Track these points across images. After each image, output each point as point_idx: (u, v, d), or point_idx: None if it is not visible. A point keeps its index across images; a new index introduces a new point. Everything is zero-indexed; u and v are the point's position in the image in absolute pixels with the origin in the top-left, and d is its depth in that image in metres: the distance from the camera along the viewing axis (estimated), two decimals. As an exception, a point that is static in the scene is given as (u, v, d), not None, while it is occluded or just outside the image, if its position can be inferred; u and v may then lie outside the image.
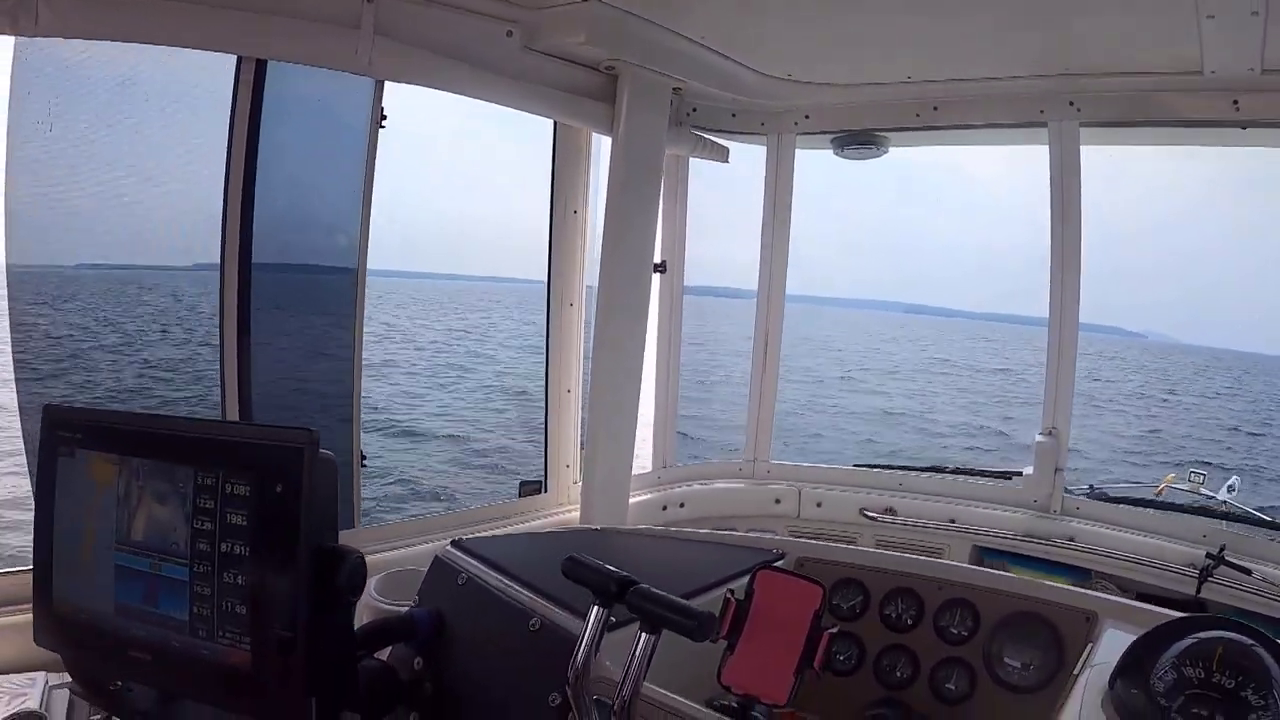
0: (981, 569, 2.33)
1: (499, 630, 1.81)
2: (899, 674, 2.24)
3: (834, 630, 1.57)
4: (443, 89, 3.20)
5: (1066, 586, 2.26)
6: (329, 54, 2.85)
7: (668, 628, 1.42)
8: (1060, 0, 2.91)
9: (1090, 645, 1.90)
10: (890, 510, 4.19)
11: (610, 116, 3.53)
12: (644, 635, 1.44)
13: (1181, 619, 1.66)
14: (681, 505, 4.23)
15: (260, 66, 2.83)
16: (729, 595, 1.66)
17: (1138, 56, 3.37)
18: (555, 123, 3.75)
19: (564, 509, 3.93)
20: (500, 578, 1.93)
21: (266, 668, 1.46)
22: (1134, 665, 1.60)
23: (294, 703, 1.46)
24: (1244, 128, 3.55)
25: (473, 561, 2.01)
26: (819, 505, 4.30)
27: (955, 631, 2.22)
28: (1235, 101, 3.43)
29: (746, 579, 1.74)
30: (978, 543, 4.06)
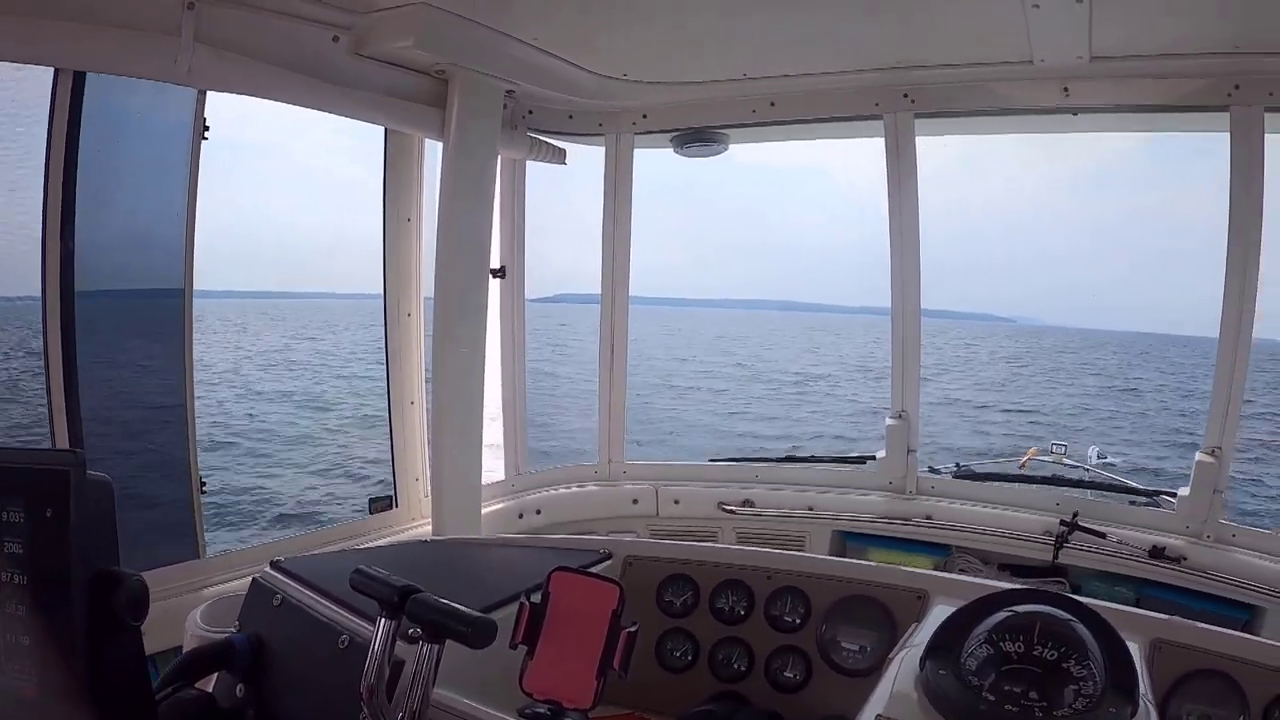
0: (809, 555, 2.34)
1: (313, 650, 1.73)
2: (735, 666, 2.23)
3: (633, 629, 1.53)
4: (267, 98, 3.09)
5: (897, 567, 2.29)
6: (147, 64, 2.70)
7: (447, 635, 1.37)
8: None
9: (915, 625, 1.89)
10: (748, 503, 4.23)
11: (442, 121, 3.45)
12: (426, 645, 1.38)
13: (990, 595, 1.63)
14: (538, 512, 4.18)
15: (78, 80, 2.67)
16: (523, 600, 1.61)
17: (969, 48, 3.47)
18: (386, 129, 3.65)
19: (416, 523, 3.83)
20: (314, 596, 1.84)
21: (53, 701, 1.38)
22: (943, 644, 1.57)
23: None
24: (1075, 114, 3.72)
25: (289, 582, 1.92)
26: (677, 503, 4.32)
27: (788, 620, 2.22)
28: (1065, 89, 3.58)
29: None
30: (837, 528, 4.14)
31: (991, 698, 1.42)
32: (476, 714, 1.53)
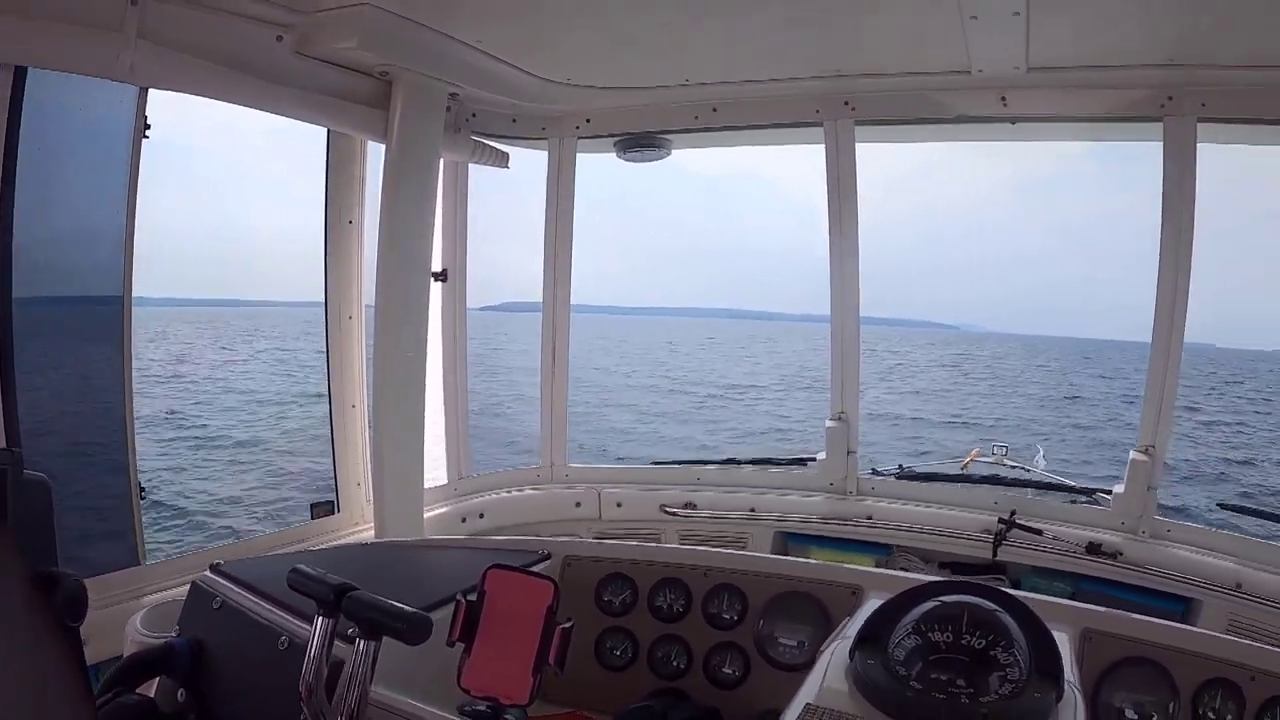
0: (746, 554, 2.38)
1: (253, 652, 1.73)
2: (674, 664, 2.26)
3: (568, 625, 1.55)
4: (210, 96, 3.01)
5: (831, 563, 2.33)
6: (89, 60, 2.62)
7: (384, 632, 1.37)
8: (831, 3, 2.98)
9: (847, 618, 1.94)
10: (690, 505, 4.26)
11: (384, 123, 3.42)
12: (362, 641, 1.39)
13: (917, 587, 1.68)
14: (481, 516, 4.17)
15: (19, 75, 2.60)
16: (459, 597, 1.62)
17: (908, 57, 3.52)
18: (329, 131, 3.62)
19: (358, 529, 3.79)
20: (253, 599, 1.84)
21: None
22: (872, 635, 1.62)
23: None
24: (1013, 123, 3.79)
25: (228, 585, 1.91)
26: (619, 505, 4.34)
27: (725, 617, 2.27)
28: (1003, 98, 3.66)
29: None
30: (779, 529, 4.19)
31: (918, 685, 1.46)
32: (416, 712, 1.54)
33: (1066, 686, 1.51)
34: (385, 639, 1.40)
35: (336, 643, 1.46)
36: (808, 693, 1.55)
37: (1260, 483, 26.03)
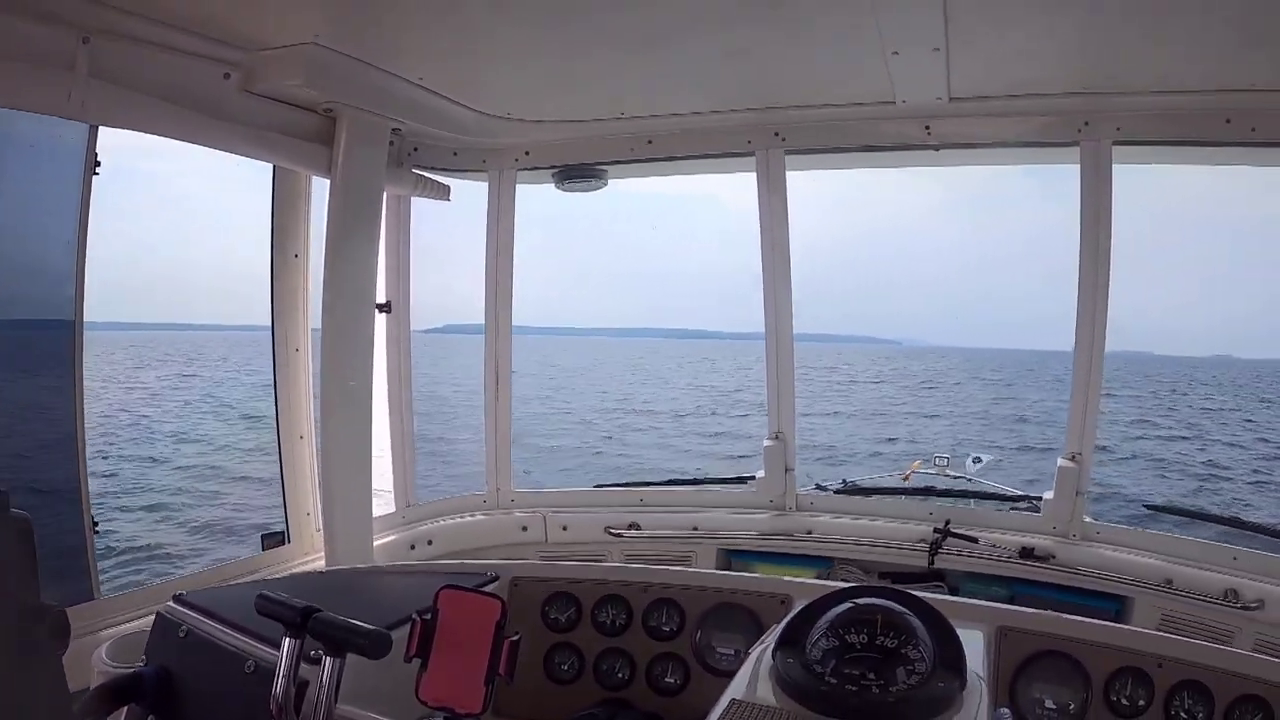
0: (682, 569, 2.50)
1: (220, 678, 1.80)
2: (618, 675, 2.38)
3: (515, 638, 1.65)
4: (159, 134, 3.06)
5: (764, 575, 2.46)
6: (39, 98, 2.64)
7: (348, 649, 1.46)
8: (757, 37, 3.07)
9: (776, 625, 2.04)
10: (634, 525, 4.35)
11: (329, 158, 3.49)
12: (328, 659, 1.48)
13: (831, 593, 1.83)
14: (430, 543, 4.21)
15: None
16: (415, 616, 1.71)
17: (835, 89, 3.65)
18: (275, 166, 3.67)
19: (309, 558, 3.82)
20: (218, 626, 1.91)
21: None
22: (791, 638, 1.76)
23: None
24: (937, 149, 3.95)
25: (192, 614, 1.97)
26: (565, 529, 4.40)
27: (665, 629, 2.38)
28: (927, 127, 3.82)
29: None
30: (723, 546, 4.28)
31: (833, 680, 1.60)
32: None
33: (971, 677, 1.65)
34: (349, 657, 1.49)
35: (302, 664, 1.54)
36: (734, 690, 1.68)
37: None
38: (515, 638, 1.66)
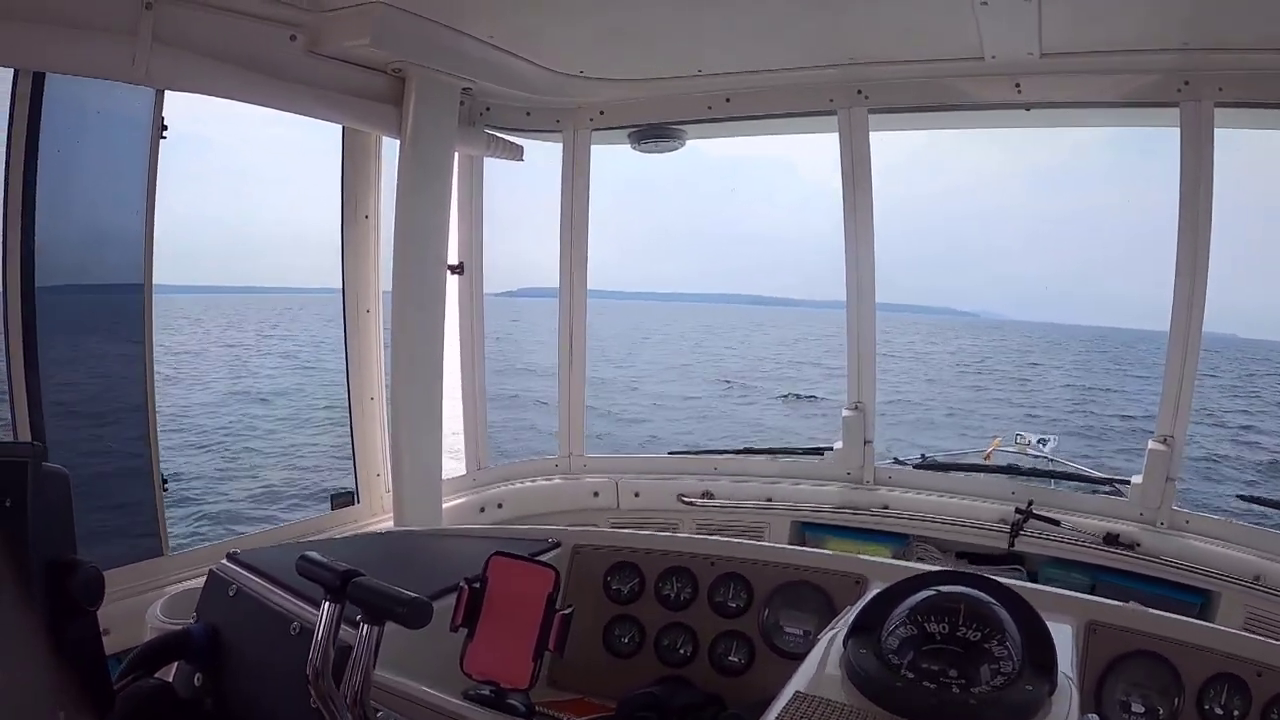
0: (752, 543, 2.39)
1: (266, 638, 1.77)
2: (680, 651, 2.30)
3: (568, 611, 1.58)
4: (225, 96, 3.05)
5: (837, 553, 2.36)
6: (105, 64, 2.68)
7: (387, 618, 1.41)
8: None
9: (849, 607, 1.93)
10: (708, 494, 4.28)
11: (398, 119, 3.46)
12: (366, 626, 1.42)
13: (914, 577, 1.68)
14: (500, 506, 4.20)
15: (39, 78, 2.67)
16: (463, 583, 1.65)
17: (921, 44, 3.50)
18: (343, 127, 3.65)
19: (377, 519, 3.85)
20: (267, 586, 1.88)
21: (12, 685, 1.38)
22: (866, 624, 1.62)
23: (41, 717, 1.41)
24: (1028, 109, 3.77)
25: (244, 573, 1.96)
26: (637, 495, 4.35)
27: (731, 605, 2.29)
28: (1017, 85, 3.63)
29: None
30: (796, 519, 4.20)
31: (910, 675, 1.45)
32: (421, 696, 1.57)
33: (1060, 678, 1.50)
34: (390, 624, 1.44)
35: (346, 628, 1.49)
36: (799, 681, 1.56)
37: None
38: (568, 611, 1.59)
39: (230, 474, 19.86)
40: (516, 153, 4.17)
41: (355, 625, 1.47)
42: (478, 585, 1.65)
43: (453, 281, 4.02)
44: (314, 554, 1.53)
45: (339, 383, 4.01)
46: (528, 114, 4.16)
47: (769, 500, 4.23)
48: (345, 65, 3.31)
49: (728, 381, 43.43)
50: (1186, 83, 3.41)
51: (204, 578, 2.01)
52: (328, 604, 1.47)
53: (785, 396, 38.75)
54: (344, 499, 3.88)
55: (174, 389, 29.03)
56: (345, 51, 3.24)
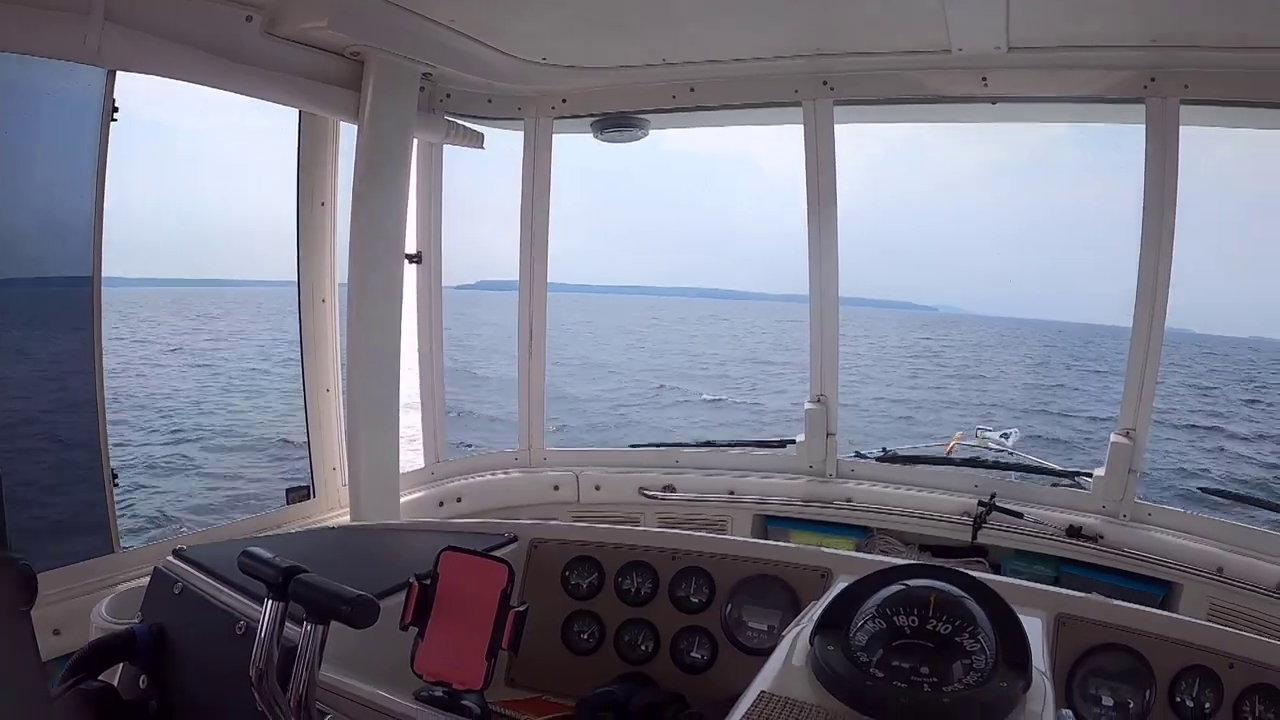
0: (713, 536, 2.35)
1: (212, 638, 1.72)
2: (642, 647, 2.25)
3: (522, 608, 1.53)
4: (178, 78, 2.96)
5: (801, 546, 2.31)
6: (55, 42, 2.58)
7: (330, 616, 1.35)
8: None
9: (814, 602, 1.89)
10: (669, 488, 4.25)
11: (356, 104, 3.37)
12: (310, 625, 1.37)
13: (881, 571, 1.64)
14: (459, 500, 4.14)
15: None
16: (413, 580, 1.60)
17: (888, 36, 3.49)
18: (300, 112, 3.56)
19: (334, 513, 3.77)
20: (213, 583, 1.82)
21: None
22: (834, 620, 1.57)
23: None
24: (994, 103, 3.77)
25: (190, 570, 1.89)
26: (598, 488, 4.31)
27: (693, 600, 2.25)
28: (984, 78, 3.63)
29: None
30: (759, 512, 4.18)
31: (880, 674, 1.41)
32: (371, 697, 1.52)
33: (1035, 675, 1.47)
34: (337, 623, 1.38)
35: (292, 627, 1.43)
36: (764, 679, 1.51)
37: None
38: (522, 608, 1.54)
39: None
40: (477, 140, 4.08)
41: (299, 624, 1.42)
42: (428, 582, 1.59)
43: (411, 272, 3.95)
44: (257, 549, 1.47)
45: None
46: (489, 101, 4.09)
47: (731, 493, 4.21)
48: (303, 48, 3.22)
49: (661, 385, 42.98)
50: (1153, 79, 3.43)
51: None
52: (270, 602, 1.42)
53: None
54: (300, 493, 3.78)
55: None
56: (303, 34, 3.14)
